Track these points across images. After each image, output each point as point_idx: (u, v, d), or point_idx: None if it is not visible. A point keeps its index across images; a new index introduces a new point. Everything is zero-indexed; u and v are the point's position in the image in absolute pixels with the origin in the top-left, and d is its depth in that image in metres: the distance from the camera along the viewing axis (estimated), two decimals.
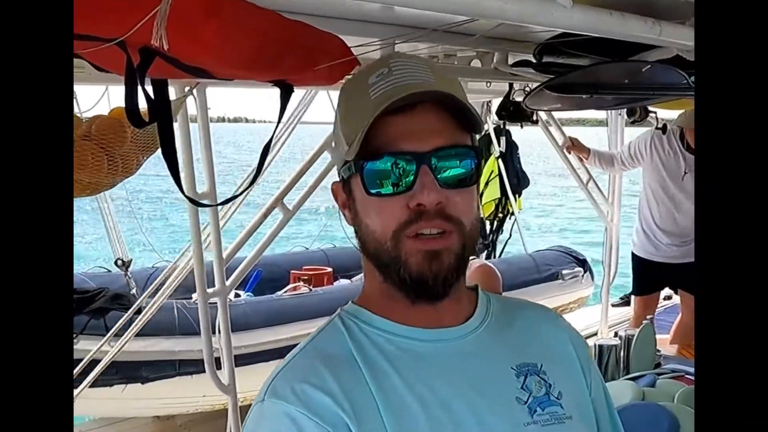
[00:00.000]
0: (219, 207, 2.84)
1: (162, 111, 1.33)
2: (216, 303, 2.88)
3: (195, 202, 2.03)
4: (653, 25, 1.35)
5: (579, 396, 0.98)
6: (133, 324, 3.33)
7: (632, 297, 4.42)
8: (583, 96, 1.99)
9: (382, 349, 0.90)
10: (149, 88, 1.29)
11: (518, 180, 4.88)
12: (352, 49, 1.62)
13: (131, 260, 4.48)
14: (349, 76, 0.96)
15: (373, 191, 0.87)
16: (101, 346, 3.39)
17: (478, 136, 0.96)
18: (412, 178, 0.85)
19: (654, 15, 1.38)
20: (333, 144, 0.98)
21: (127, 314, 3.35)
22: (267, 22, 1.24)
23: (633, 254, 4.11)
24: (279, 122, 1.58)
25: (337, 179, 0.96)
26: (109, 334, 3.44)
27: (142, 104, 1.26)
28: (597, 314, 4.71)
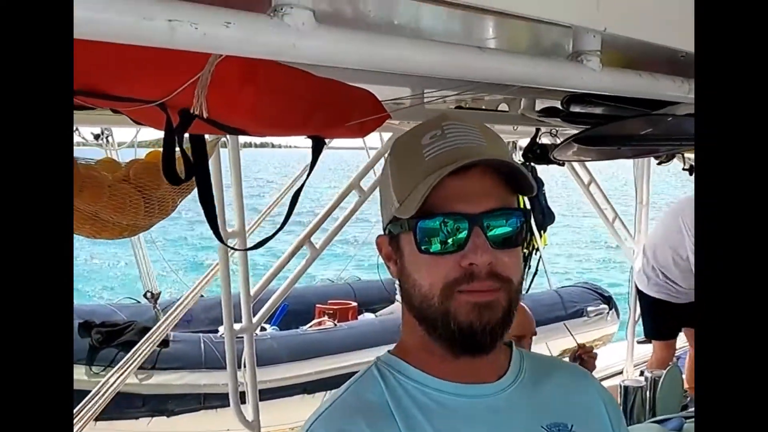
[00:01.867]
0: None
1: (200, 165, 1.37)
2: (243, 337, 2.92)
3: (227, 246, 2.05)
4: (682, 83, 1.36)
5: None
6: (137, 355, 3.36)
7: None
8: (612, 147, 2.01)
9: (416, 401, 0.92)
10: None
11: (543, 216, 4.86)
12: (380, 98, 1.65)
13: (160, 293, 4.54)
14: (401, 137, 0.99)
15: (424, 249, 0.89)
16: (126, 378, 3.43)
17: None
18: (464, 238, 0.88)
19: (682, 73, 1.39)
20: (379, 199, 1.00)
21: (146, 346, 3.38)
22: (298, 82, 1.27)
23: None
24: (309, 173, 1.61)
25: (381, 232, 0.99)
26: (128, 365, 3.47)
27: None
28: (622, 351, 4.65)
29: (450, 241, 0.88)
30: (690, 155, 4.03)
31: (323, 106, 1.34)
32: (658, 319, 4.02)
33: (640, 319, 4.41)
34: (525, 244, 5.15)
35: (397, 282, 0.98)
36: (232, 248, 2.20)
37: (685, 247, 3.67)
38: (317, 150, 1.57)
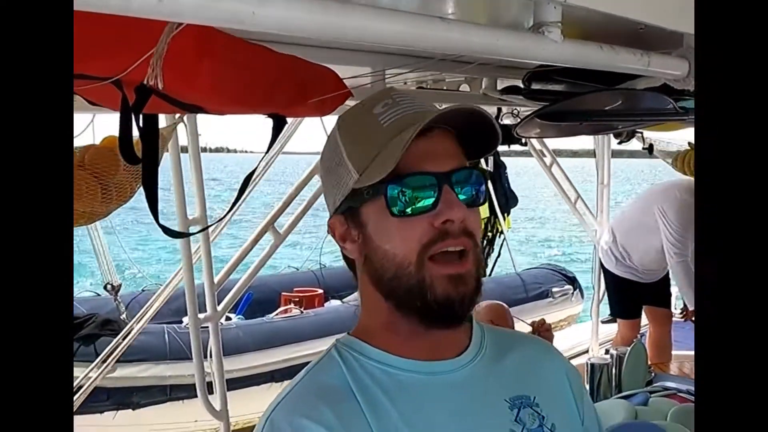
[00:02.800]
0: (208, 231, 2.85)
1: (149, 142, 1.33)
2: (208, 327, 2.87)
3: (173, 233, 1.95)
4: (642, 56, 1.37)
5: (572, 427, 0.99)
6: (119, 349, 3.30)
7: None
8: (573, 123, 2.02)
9: (378, 382, 0.91)
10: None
11: (506, 199, 4.90)
12: (341, 76, 1.63)
13: (120, 284, 4.46)
14: (347, 109, 0.97)
15: (397, 212, 0.88)
16: (89, 372, 3.36)
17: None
18: (434, 197, 0.87)
19: (642, 46, 1.40)
20: (324, 178, 0.98)
21: (115, 340, 3.31)
22: (258, 58, 1.25)
23: None
24: (268, 151, 1.59)
25: (335, 213, 0.96)
26: (97, 360, 3.41)
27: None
28: (587, 331, 4.72)
29: (421, 201, 0.88)
30: (648, 134, 4.09)
31: (284, 83, 1.31)
32: (624, 297, 4.07)
33: (605, 298, 4.48)
34: (490, 228, 5.17)
35: (361, 260, 0.95)
36: (177, 234, 2.13)
37: (659, 235, 3.72)
38: (278, 128, 1.55)
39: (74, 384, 3.21)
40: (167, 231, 1.66)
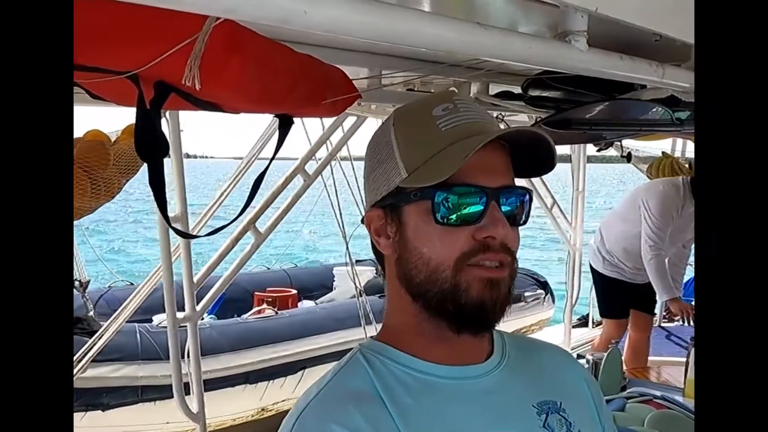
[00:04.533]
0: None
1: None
2: (184, 327, 2.81)
3: (181, 233, 1.96)
4: (657, 68, 1.38)
5: None
6: (95, 348, 3.21)
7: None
8: (575, 131, 2.03)
9: (406, 385, 0.90)
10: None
11: None
12: None
13: (89, 281, 4.34)
14: (406, 107, 0.97)
15: (440, 219, 0.87)
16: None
17: None
18: (480, 211, 0.87)
19: (655, 58, 1.41)
20: (369, 168, 0.97)
21: (91, 340, 3.22)
22: (281, 56, 1.22)
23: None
24: (275, 154, 1.56)
25: (374, 206, 0.95)
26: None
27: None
28: (558, 335, 4.77)
29: (466, 213, 0.87)
30: (626, 142, 4.15)
31: (302, 83, 1.29)
32: (612, 297, 4.13)
33: (576, 303, 4.53)
34: None
35: (394, 257, 0.94)
36: (185, 235, 2.10)
37: (639, 227, 3.77)
38: (285, 130, 1.52)
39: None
40: (178, 232, 1.63)
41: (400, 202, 0.91)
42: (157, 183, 1.29)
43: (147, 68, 1.07)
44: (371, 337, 0.99)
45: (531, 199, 0.94)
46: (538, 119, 2.05)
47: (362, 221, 0.99)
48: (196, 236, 2.28)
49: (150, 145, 1.09)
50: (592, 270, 4.13)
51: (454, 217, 0.87)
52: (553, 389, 0.98)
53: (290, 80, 1.24)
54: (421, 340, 0.93)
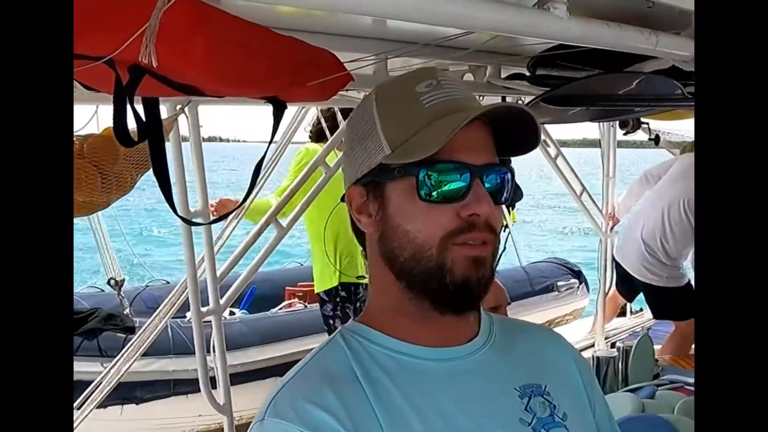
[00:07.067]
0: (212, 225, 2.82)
1: (153, 129, 1.31)
2: (211, 321, 2.85)
3: (187, 221, 2.00)
4: (649, 35, 1.34)
5: (583, 416, 0.98)
6: (130, 344, 3.28)
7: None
8: (579, 108, 1.98)
9: (384, 366, 0.90)
10: (139, 107, 1.27)
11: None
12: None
13: (124, 279, 4.45)
14: (388, 83, 0.96)
15: (425, 196, 0.87)
16: (111, 368, 3.33)
17: None
18: (465, 188, 0.87)
19: (650, 26, 1.37)
20: (349, 145, 0.96)
21: (136, 336, 3.27)
22: (257, 37, 1.22)
23: None
24: (272, 140, 1.56)
25: (355, 183, 0.94)
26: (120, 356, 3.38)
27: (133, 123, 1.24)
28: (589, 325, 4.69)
29: (450, 189, 0.87)
30: (655, 125, 4.05)
31: (283, 64, 1.28)
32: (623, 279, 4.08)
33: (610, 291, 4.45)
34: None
35: (376, 236, 0.93)
36: (192, 223, 2.13)
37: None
38: (278, 114, 1.52)
39: (96, 380, 3.20)
40: (186, 221, 1.66)
41: (383, 179, 0.90)
42: (158, 169, 1.31)
43: (119, 52, 1.08)
44: (353, 319, 0.99)
45: (513, 177, 0.93)
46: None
47: (342, 199, 0.99)
48: (199, 224, 2.29)
49: (123, 130, 1.10)
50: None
51: (436, 194, 0.87)
52: (539, 372, 0.96)
53: (269, 61, 1.24)
54: (403, 321, 0.92)
